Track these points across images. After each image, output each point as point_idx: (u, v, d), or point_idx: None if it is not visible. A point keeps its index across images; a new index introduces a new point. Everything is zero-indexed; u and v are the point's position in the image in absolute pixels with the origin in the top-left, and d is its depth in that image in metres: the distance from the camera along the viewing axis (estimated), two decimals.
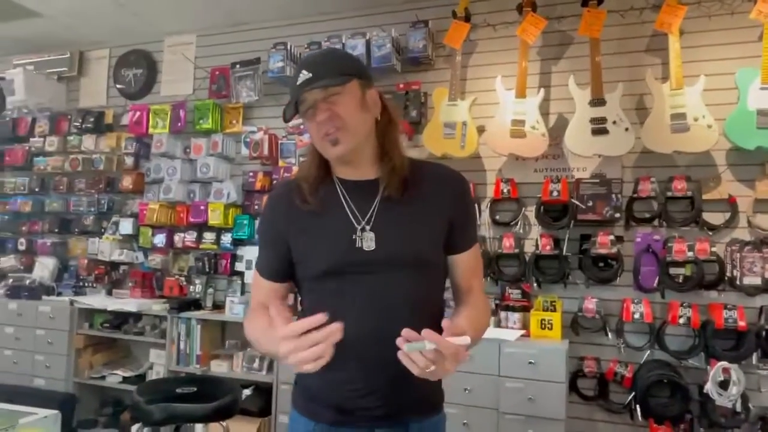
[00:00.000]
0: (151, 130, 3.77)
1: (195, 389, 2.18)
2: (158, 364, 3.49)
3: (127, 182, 3.84)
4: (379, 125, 1.17)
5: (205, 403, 2.05)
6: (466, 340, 0.94)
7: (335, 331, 0.90)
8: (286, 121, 1.14)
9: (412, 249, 1.13)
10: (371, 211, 1.14)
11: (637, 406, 2.60)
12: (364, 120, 1.14)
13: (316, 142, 1.15)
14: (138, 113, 3.80)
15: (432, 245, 1.16)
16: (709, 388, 2.49)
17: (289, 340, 0.90)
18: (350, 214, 1.15)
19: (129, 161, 3.87)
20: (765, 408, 2.53)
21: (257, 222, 3.51)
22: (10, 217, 4.23)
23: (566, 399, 2.57)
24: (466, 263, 1.21)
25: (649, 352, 2.71)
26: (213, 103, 3.67)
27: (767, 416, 2.51)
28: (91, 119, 4.02)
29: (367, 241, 1.12)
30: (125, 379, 3.54)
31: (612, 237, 2.73)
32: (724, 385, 2.49)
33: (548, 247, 2.83)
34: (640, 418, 2.60)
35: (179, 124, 3.73)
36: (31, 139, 4.21)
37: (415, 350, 0.91)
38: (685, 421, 2.60)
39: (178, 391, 2.14)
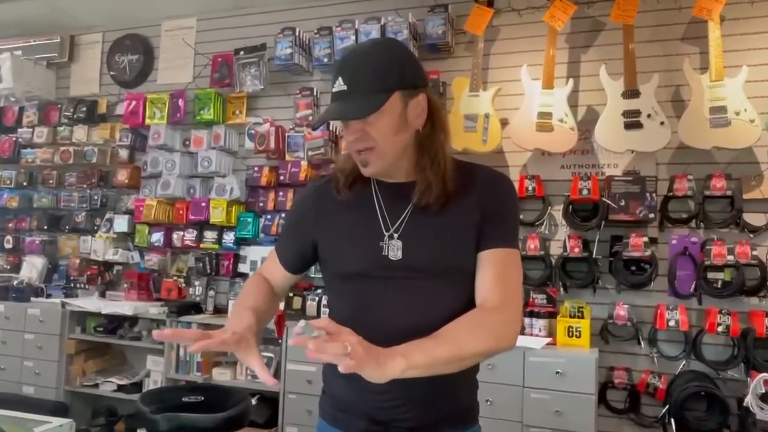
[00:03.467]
0: (147, 121, 3.80)
1: (202, 398, 2.22)
2: (156, 372, 3.54)
3: (121, 176, 3.88)
4: (420, 135, 1.15)
5: (214, 413, 2.08)
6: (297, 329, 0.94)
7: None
8: (314, 129, 1.17)
9: (442, 259, 1.15)
10: (402, 217, 1.16)
11: (672, 420, 2.63)
12: (399, 140, 1.13)
13: (350, 152, 1.18)
14: (134, 103, 3.84)
15: (463, 252, 1.16)
16: (750, 401, 2.51)
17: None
18: (380, 219, 1.17)
19: (124, 154, 3.90)
20: None
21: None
22: None
23: (595, 412, 2.60)
24: (487, 265, 1.14)
25: (684, 362, 2.74)
26: (215, 92, 3.69)
27: None
28: (83, 109, 4.06)
29: (394, 250, 1.15)
30: (120, 388, 3.59)
31: (645, 239, 2.76)
32: (765, 398, 2.51)
33: (576, 249, 2.86)
34: None
35: (178, 114, 3.76)
36: (18, 130, 4.26)
37: (300, 331, 0.91)
38: None
39: (185, 400, 2.18)
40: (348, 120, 1.11)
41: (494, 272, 1.14)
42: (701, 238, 2.77)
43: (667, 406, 2.67)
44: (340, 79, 1.09)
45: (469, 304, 1.19)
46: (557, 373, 2.60)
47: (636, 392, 2.81)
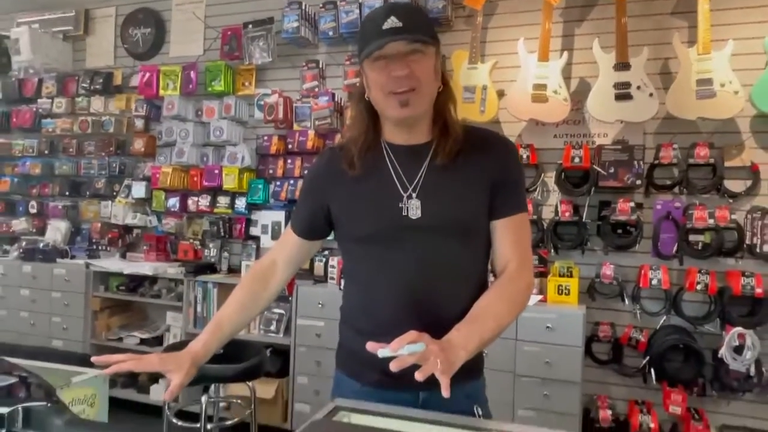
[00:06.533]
0: (161, 92, 3.73)
1: (222, 351, 2.22)
2: (175, 327, 3.57)
3: (138, 145, 3.84)
4: (440, 95, 1.16)
5: (232, 364, 2.10)
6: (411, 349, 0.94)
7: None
8: (363, 58, 1.08)
9: (458, 217, 1.14)
10: (419, 177, 1.14)
11: (652, 369, 2.68)
12: (434, 87, 1.13)
13: (379, 98, 1.11)
14: (147, 74, 3.76)
15: (477, 212, 1.16)
16: (724, 353, 2.56)
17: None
18: (397, 181, 1.15)
19: (140, 124, 3.85)
20: None
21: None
22: (20, 179, 4.24)
23: (582, 363, 2.64)
24: (504, 232, 1.17)
25: (665, 317, 2.76)
26: (225, 64, 3.63)
27: None
28: (100, 80, 3.99)
29: (414, 209, 1.13)
30: (142, 341, 3.63)
31: (632, 204, 2.76)
32: (738, 350, 2.55)
33: (567, 214, 2.85)
34: (654, 381, 2.67)
35: (190, 86, 3.70)
36: (38, 101, 4.19)
37: (413, 351, 0.93)
38: (698, 385, 2.68)
39: None
40: (407, 40, 1.05)
41: (512, 239, 1.16)
42: (684, 203, 2.76)
43: (647, 357, 2.71)
44: (392, 18, 1.05)
45: (479, 266, 1.21)
46: (547, 327, 2.64)
47: (619, 345, 2.84)
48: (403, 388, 1.18)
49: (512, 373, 2.68)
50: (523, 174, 1.27)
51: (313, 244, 1.32)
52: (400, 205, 1.13)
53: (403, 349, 0.92)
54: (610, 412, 2.73)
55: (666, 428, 2.74)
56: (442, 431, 1.03)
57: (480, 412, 1.21)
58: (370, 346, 0.93)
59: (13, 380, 1.04)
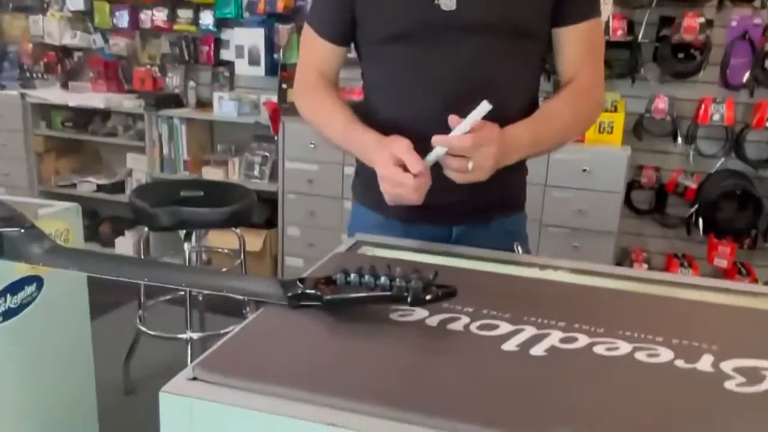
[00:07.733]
0: None
1: (201, 193, 2.26)
2: (138, 171, 3.59)
3: None
4: None
5: (217, 207, 2.12)
6: (464, 127, 0.95)
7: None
8: None
9: (503, 13, 1.08)
10: None
11: (699, 219, 2.77)
12: None
13: None
14: None
15: (535, 12, 1.10)
16: None
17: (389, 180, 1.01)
18: None
19: None
20: None
21: None
22: None
23: (620, 212, 2.72)
24: (574, 41, 1.13)
25: (722, 160, 2.80)
26: None
27: None
28: None
29: None
30: (100, 188, 3.67)
31: (702, 20, 2.64)
32: None
33: (620, 32, 2.75)
34: (701, 232, 2.78)
35: None
36: None
37: (434, 160, 0.97)
38: (750, 236, 2.80)
39: (183, 194, 2.21)
40: None
41: (584, 49, 1.14)
42: (765, 20, 2.65)
43: (696, 206, 2.79)
44: None
45: (528, 77, 1.18)
46: (584, 170, 2.68)
47: (663, 192, 2.91)
48: (434, 222, 1.20)
49: (539, 222, 2.76)
50: None
51: (345, 51, 1.24)
52: None
53: (430, 155, 0.97)
54: (645, 266, 2.88)
55: None
56: (478, 266, 1.06)
57: (520, 250, 1.25)
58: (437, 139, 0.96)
59: None
